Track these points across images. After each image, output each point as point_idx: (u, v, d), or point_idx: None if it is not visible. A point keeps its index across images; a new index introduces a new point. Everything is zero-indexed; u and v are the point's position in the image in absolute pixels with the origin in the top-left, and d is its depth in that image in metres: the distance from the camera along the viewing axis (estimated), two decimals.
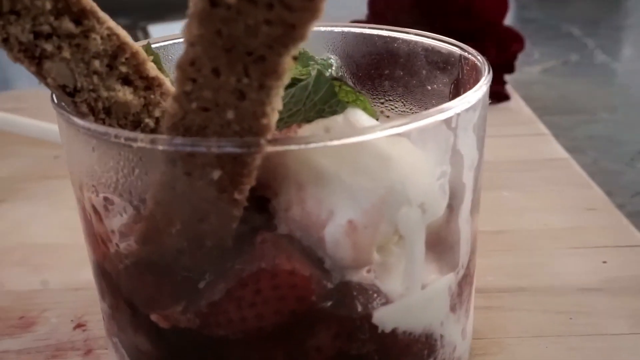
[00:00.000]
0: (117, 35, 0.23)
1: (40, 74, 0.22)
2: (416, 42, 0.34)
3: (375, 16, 0.73)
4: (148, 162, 0.22)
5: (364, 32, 0.36)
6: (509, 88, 0.73)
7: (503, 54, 0.70)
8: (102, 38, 0.22)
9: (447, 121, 0.24)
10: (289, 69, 0.19)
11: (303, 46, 0.34)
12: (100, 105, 0.24)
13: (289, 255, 0.23)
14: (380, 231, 0.24)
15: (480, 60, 0.29)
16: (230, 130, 0.21)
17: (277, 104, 0.20)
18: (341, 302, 0.24)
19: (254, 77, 0.19)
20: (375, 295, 0.25)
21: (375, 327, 0.25)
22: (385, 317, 0.25)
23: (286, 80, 0.19)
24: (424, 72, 0.34)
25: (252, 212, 0.24)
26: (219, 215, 0.24)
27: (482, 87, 0.25)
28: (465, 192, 0.26)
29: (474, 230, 0.28)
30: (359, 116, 0.26)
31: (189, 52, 0.18)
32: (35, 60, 0.21)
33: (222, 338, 0.24)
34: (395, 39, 0.35)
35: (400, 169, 0.23)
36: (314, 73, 0.26)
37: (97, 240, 0.26)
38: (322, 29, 0.35)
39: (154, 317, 0.25)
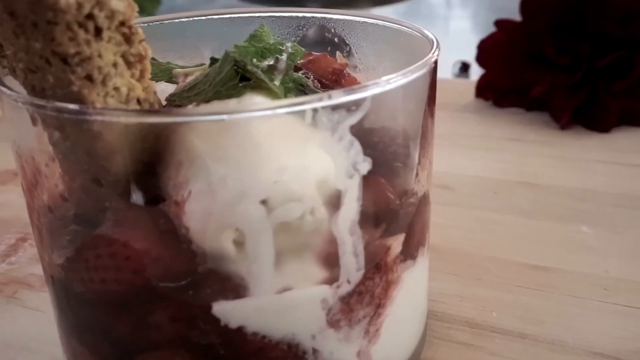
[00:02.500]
0: None
1: None
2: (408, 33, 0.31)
3: (527, 18, 0.66)
4: (20, 116, 0.24)
5: (368, 20, 0.34)
6: None
7: None
8: None
9: (298, 116, 0.22)
10: (75, 39, 0.19)
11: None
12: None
13: (132, 227, 0.24)
14: (214, 220, 0.23)
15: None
16: (58, 94, 0.21)
17: (89, 73, 0.21)
18: (183, 285, 0.24)
19: (43, 43, 0.19)
20: (225, 288, 0.24)
21: (217, 320, 0.24)
22: (228, 313, 0.24)
23: (76, 49, 0.19)
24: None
25: (139, 181, 0.25)
26: (99, 177, 0.25)
27: (371, 87, 0.23)
28: (343, 200, 0.23)
29: (376, 246, 0.25)
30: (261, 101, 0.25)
31: None
32: None
33: (81, 295, 0.25)
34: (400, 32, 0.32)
35: (241, 160, 0.22)
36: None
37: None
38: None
39: (43, 264, 0.27)
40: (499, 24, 0.67)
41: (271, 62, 0.28)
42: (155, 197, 0.24)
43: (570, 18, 0.62)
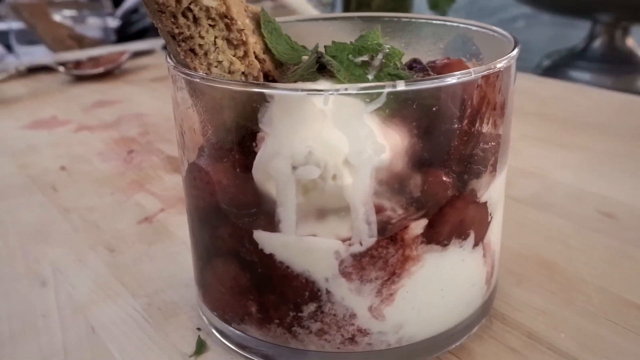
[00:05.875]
0: None
1: None
2: None
3: None
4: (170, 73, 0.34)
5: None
6: None
7: None
8: None
9: (316, 100, 0.28)
10: (176, 23, 0.28)
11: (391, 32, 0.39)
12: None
13: (216, 162, 0.32)
14: (262, 169, 0.30)
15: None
16: (179, 60, 0.31)
17: (192, 47, 0.30)
18: (239, 212, 0.32)
19: (160, 25, 0.29)
20: (263, 221, 0.31)
21: (256, 244, 0.31)
22: (263, 240, 0.31)
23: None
24: None
25: (236, 131, 0.33)
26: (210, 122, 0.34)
27: (388, 86, 0.27)
28: (356, 172, 0.29)
29: (394, 222, 0.30)
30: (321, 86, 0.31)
31: None
32: None
33: (188, 205, 0.36)
34: None
35: (282, 126, 0.29)
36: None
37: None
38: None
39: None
40: None
41: (366, 59, 0.34)
42: (241, 145, 0.33)
43: None
